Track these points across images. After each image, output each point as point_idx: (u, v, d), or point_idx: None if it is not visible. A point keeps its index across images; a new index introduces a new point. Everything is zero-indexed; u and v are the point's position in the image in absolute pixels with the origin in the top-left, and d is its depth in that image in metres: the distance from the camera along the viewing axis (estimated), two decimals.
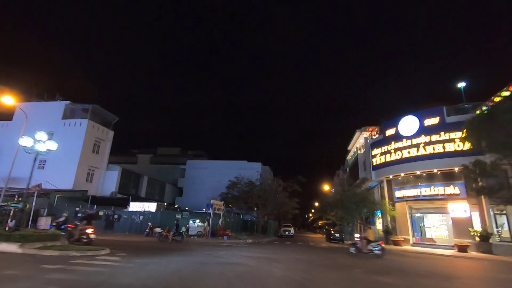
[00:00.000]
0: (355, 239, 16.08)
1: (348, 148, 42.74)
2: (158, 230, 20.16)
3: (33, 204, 22.85)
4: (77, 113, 32.51)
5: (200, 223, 22.41)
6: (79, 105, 32.56)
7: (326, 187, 40.57)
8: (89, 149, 31.63)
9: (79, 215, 23.18)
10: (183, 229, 21.56)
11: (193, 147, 63.35)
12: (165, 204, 31.07)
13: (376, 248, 13.55)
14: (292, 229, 34.88)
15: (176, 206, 37.90)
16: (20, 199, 23.80)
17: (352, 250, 14.30)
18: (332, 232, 28.93)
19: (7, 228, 23.07)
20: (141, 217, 22.47)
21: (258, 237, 27.05)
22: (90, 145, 31.65)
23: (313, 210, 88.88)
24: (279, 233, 34.99)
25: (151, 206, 23.54)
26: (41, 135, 11.61)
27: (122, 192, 32.96)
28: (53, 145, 11.72)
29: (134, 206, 23.62)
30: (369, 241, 14.00)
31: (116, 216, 22.53)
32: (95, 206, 23.81)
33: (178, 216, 22.78)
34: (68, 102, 32.73)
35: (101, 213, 22.70)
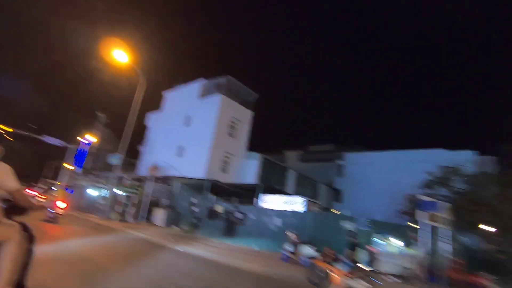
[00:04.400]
0: None
1: None
2: (307, 251, 9.14)
3: (149, 190, 17.26)
4: (212, 90, 27.43)
5: (402, 247, 9.70)
6: (213, 80, 27.44)
7: None
8: (224, 131, 25.42)
9: (195, 209, 15.60)
10: (362, 255, 9.52)
11: (349, 143, 50.11)
12: (318, 203, 19.91)
13: None
14: None
15: (337, 211, 26.06)
16: (136, 182, 19.15)
17: None
18: None
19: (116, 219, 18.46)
20: (278, 221, 12.26)
21: None
22: (224, 126, 25.44)
23: None
24: None
25: (297, 202, 12.96)
26: None
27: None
28: None
29: (269, 201, 13.78)
30: None
31: (239, 216, 13.34)
32: (213, 196, 15.78)
33: (348, 225, 10.97)
34: (204, 79, 28.34)
35: (219, 209, 14.23)
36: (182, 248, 9.91)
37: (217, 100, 25.28)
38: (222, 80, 26.42)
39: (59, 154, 34.04)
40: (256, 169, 25.61)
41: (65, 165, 31.31)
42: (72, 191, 27.26)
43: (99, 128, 32.95)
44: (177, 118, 28.46)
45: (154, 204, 17.74)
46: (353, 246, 7.17)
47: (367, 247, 10.16)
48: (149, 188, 17.04)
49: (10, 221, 2.55)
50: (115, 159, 28.29)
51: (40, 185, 29.84)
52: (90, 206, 21.46)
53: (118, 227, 14.12)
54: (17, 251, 2.41)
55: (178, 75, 33.45)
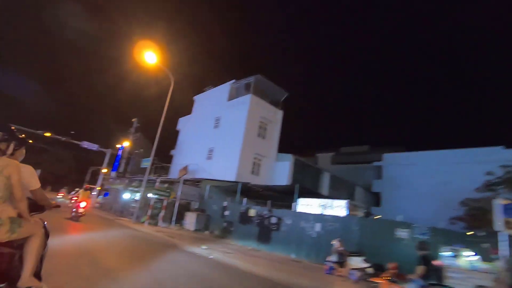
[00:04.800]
0: None
1: None
2: (358, 263, 7.82)
3: (179, 193, 16.74)
4: (241, 90, 26.72)
5: (475, 260, 7.98)
6: (242, 80, 26.71)
7: None
8: (254, 132, 24.51)
9: (226, 212, 14.73)
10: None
11: (386, 144, 46.84)
12: (356, 206, 18.01)
13: None
14: None
15: (378, 216, 23.94)
16: (166, 185, 18.74)
17: None
18: None
19: (145, 222, 18.00)
20: (317, 226, 10.96)
21: None
22: (254, 127, 24.52)
23: None
24: None
25: (337, 206, 11.57)
26: None
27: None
28: None
29: (304, 204, 12.50)
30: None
31: (274, 220, 12.21)
32: (244, 199, 14.79)
33: (402, 232, 9.40)
34: (233, 81, 27.74)
35: (252, 213, 13.19)
36: (212, 255, 9.00)
37: (247, 100, 24.47)
38: (251, 79, 25.61)
39: (98, 158, 35.36)
40: (288, 171, 24.34)
41: (102, 169, 32.34)
42: (107, 194, 27.86)
43: (131, 133, 33.68)
44: (207, 121, 28.13)
45: (185, 207, 17.18)
46: (425, 261, 5.75)
47: (435, 262, 8.54)
48: (180, 191, 16.50)
49: (35, 218, 2.73)
50: (147, 163, 28.52)
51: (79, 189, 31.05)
52: (123, 209, 21.56)
53: (138, 227, 13.75)
54: (40, 245, 2.61)
55: (209, 79, 33.30)
